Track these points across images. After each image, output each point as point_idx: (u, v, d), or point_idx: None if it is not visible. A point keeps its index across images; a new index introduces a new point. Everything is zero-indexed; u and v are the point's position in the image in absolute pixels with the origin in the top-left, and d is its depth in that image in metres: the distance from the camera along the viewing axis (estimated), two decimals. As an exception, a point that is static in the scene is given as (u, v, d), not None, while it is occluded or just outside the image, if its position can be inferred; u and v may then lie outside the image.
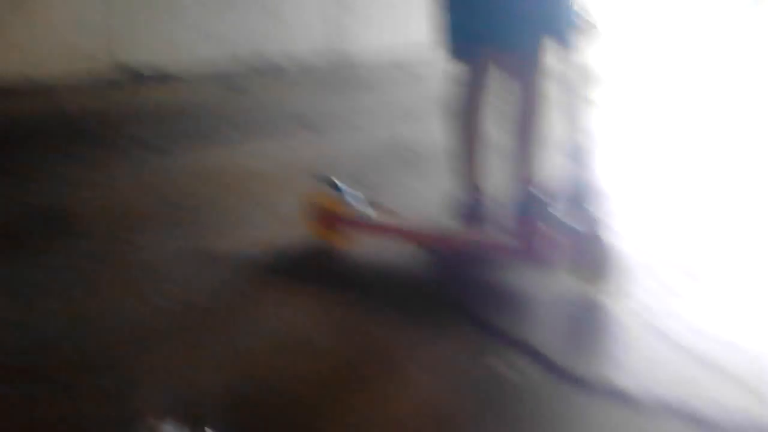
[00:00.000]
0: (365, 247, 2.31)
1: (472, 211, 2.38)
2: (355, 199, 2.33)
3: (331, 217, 2.33)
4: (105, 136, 3.95)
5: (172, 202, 2.88)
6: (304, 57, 6.88)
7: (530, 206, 2.27)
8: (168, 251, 2.34)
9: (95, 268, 2.20)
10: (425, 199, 2.80)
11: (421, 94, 4.99)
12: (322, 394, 1.54)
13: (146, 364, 1.67)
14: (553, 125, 2.32)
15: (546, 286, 2.01)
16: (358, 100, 5.02)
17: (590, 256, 1.91)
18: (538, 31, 2.19)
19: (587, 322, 1.86)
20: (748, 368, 1.59)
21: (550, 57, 2.18)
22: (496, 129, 2.41)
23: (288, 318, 1.89)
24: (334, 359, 1.67)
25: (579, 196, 1.93)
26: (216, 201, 2.87)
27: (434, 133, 3.77)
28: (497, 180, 2.44)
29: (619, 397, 1.50)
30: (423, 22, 7.46)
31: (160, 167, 3.38)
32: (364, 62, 6.56)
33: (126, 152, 3.60)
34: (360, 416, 1.45)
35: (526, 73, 2.31)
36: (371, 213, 2.35)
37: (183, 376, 1.61)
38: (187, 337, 1.80)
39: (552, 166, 2.24)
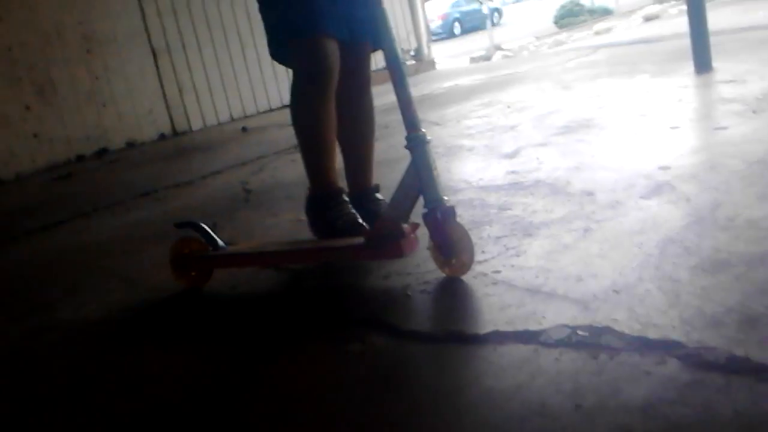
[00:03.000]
0: (224, 284, 2.29)
1: (341, 216, 2.21)
2: (216, 237, 2.29)
3: (196, 260, 2.28)
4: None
5: (22, 285, 2.77)
6: (150, 141, 6.85)
7: (375, 206, 2.35)
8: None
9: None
10: (273, 228, 2.86)
11: (260, 146, 5.15)
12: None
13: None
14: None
15: (399, 273, 2.06)
16: (198, 163, 5.01)
17: (437, 238, 1.92)
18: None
19: (439, 294, 1.92)
20: (575, 288, 1.71)
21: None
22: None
23: (156, 371, 1.80)
24: (209, 391, 1.64)
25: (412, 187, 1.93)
26: (56, 280, 2.77)
27: (270, 175, 3.93)
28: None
29: (472, 340, 1.57)
30: (265, 90, 7.59)
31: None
32: (210, 135, 6.62)
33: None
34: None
35: (368, 71, 2.37)
36: (233, 247, 2.34)
37: None
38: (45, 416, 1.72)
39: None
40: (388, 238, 1.92)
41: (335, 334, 1.77)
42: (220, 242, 2.28)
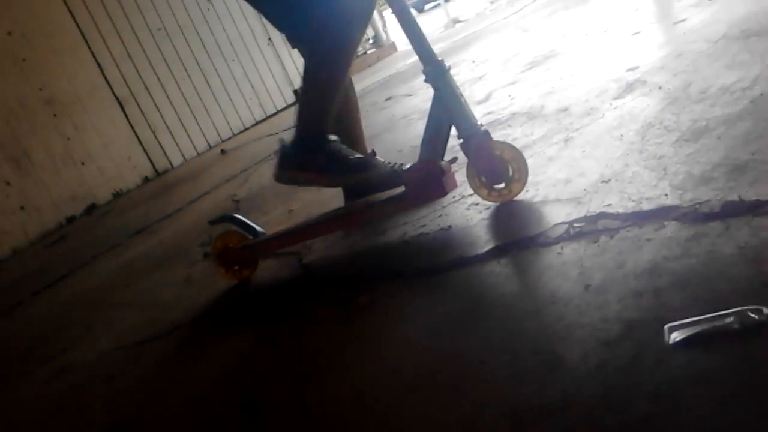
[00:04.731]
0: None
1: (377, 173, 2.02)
2: (254, 224, 2.22)
3: (240, 251, 2.21)
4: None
5: (41, 336, 2.76)
6: (135, 187, 6.85)
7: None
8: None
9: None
10: (267, 224, 2.84)
11: (241, 162, 5.16)
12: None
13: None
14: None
15: (394, 226, 2.05)
16: (185, 192, 5.01)
17: (482, 165, 1.82)
18: None
19: (436, 233, 1.89)
20: (564, 190, 1.71)
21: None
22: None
23: (181, 379, 1.77)
24: (242, 371, 1.64)
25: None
26: (69, 325, 2.77)
27: (255, 183, 3.93)
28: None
29: (475, 261, 1.57)
30: (236, 112, 7.59)
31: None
32: (191, 166, 6.64)
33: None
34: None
35: None
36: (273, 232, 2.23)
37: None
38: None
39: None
40: (428, 180, 1.84)
41: (343, 293, 1.77)
42: (259, 229, 2.22)
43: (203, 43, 7.68)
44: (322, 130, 2.07)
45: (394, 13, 1.82)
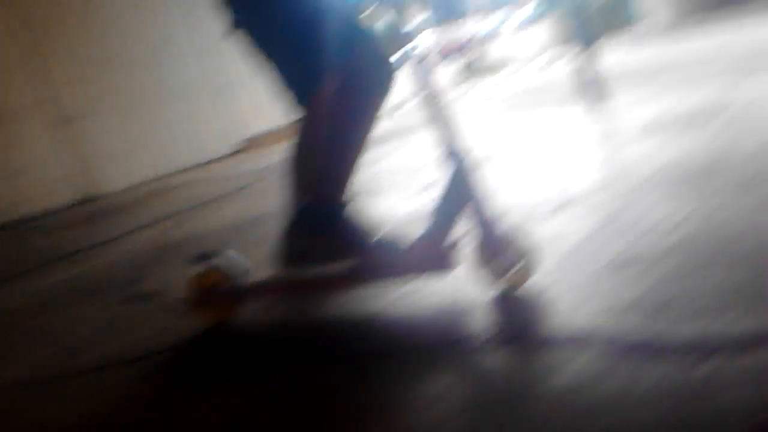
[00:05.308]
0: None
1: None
2: (238, 264, 2.09)
3: (220, 294, 2.08)
4: None
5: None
6: (65, 207, 6.67)
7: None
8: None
9: None
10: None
11: (178, 204, 5.13)
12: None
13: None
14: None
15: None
16: (119, 222, 4.95)
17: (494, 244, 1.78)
18: None
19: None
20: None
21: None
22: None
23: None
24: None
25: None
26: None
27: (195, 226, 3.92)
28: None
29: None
30: (179, 152, 7.52)
31: None
32: (125, 196, 6.55)
33: None
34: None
35: None
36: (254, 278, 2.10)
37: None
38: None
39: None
40: (434, 254, 1.79)
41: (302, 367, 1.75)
42: (245, 270, 2.08)
43: (157, 78, 7.71)
44: (339, 198, 2.01)
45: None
